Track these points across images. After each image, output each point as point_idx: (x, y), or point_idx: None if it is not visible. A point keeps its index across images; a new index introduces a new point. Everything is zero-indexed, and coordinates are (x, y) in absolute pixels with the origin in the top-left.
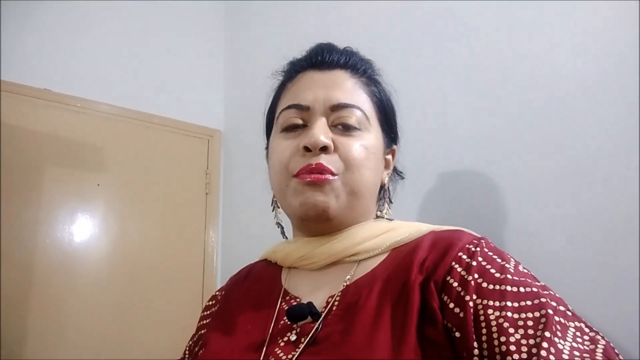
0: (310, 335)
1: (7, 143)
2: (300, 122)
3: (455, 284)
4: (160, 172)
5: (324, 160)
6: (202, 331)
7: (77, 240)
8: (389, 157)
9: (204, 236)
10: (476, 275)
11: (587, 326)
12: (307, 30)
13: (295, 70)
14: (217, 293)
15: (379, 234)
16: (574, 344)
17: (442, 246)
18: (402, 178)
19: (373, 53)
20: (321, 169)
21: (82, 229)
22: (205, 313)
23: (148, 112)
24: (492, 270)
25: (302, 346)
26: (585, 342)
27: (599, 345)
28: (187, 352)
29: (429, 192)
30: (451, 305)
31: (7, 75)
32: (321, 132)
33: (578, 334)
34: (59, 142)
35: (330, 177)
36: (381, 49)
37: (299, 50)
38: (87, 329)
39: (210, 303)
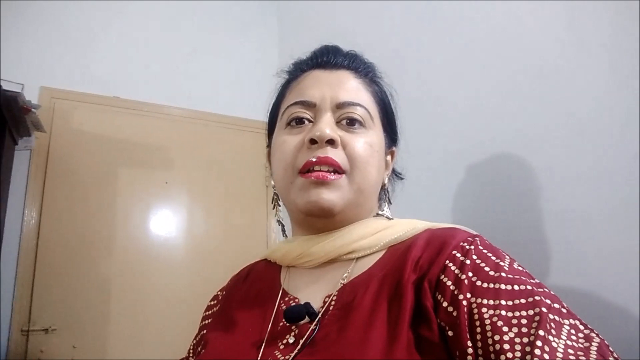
0: (307, 336)
1: (83, 149)
2: (306, 116)
3: (449, 283)
4: (222, 167)
5: (331, 153)
6: (204, 331)
7: (150, 235)
8: (389, 158)
9: (265, 228)
10: (470, 274)
11: (582, 323)
12: (357, 29)
13: (300, 69)
14: (219, 293)
15: (375, 232)
16: (569, 342)
17: (437, 244)
18: (401, 179)
19: (409, 49)
20: (330, 162)
21: (154, 225)
22: (207, 313)
23: (208, 111)
24: (487, 269)
25: (299, 347)
26: (580, 340)
27: (593, 343)
28: (191, 351)
29: (462, 182)
30: (445, 304)
31: (80, 86)
32: (328, 125)
33: (573, 331)
34: (129, 145)
35: (336, 176)
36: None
37: (349, 48)
38: (162, 318)
39: (212, 303)
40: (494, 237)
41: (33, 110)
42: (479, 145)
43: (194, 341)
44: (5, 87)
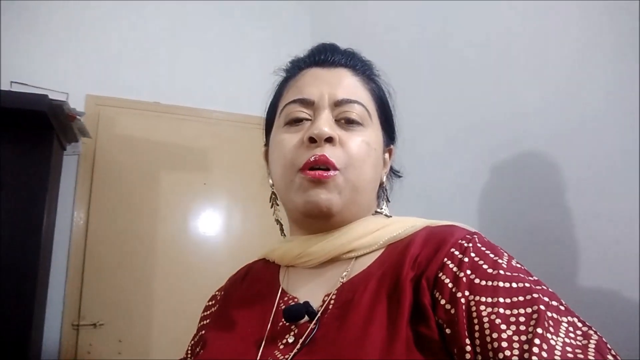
0: (306, 335)
1: (127, 153)
2: (304, 115)
3: (447, 280)
4: (259, 168)
5: (328, 152)
6: (202, 332)
7: (190, 234)
8: (387, 156)
9: None
10: (468, 272)
11: (580, 321)
12: (388, 25)
13: (298, 67)
14: (217, 293)
15: (374, 230)
16: (567, 340)
17: (435, 242)
18: (399, 177)
19: (445, 47)
20: (324, 162)
21: (194, 225)
22: (205, 313)
23: (245, 113)
24: (485, 266)
25: (298, 346)
26: (578, 337)
27: (591, 341)
28: (189, 352)
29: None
30: (442, 301)
31: (123, 93)
32: (326, 123)
33: (571, 329)
34: (169, 148)
35: (332, 173)
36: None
37: (384, 52)
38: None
39: (210, 303)
40: (523, 237)
41: (78, 117)
42: (507, 145)
43: (192, 342)
44: (51, 96)
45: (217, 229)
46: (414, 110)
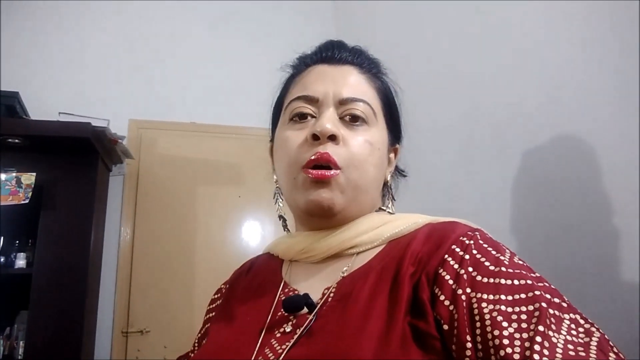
0: (304, 326)
1: (167, 171)
2: (309, 111)
3: (448, 277)
4: None
5: (331, 149)
6: (208, 324)
7: (227, 244)
8: (392, 155)
9: None
10: (470, 269)
11: (582, 318)
12: (412, 36)
13: (304, 64)
14: (222, 286)
15: (376, 227)
16: (569, 337)
17: (436, 238)
18: (404, 176)
19: (463, 39)
20: (327, 159)
21: (230, 235)
22: (211, 306)
23: None
24: (487, 263)
25: (296, 337)
26: (580, 335)
27: (593, 338)
28: (195, 345)
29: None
30: (442, 297)
31: (161, 115)
32: (329, 120)
33: (573, 326)
34: (206, 165)
35: (334, 172)
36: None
37: (411, 67)
38: None
39: (216, 296)
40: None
41: (120, 140)
42: (517, 144)
43: (199, 335)
44: (94, 123)
45: (252, 238)
46: (432, 116)
